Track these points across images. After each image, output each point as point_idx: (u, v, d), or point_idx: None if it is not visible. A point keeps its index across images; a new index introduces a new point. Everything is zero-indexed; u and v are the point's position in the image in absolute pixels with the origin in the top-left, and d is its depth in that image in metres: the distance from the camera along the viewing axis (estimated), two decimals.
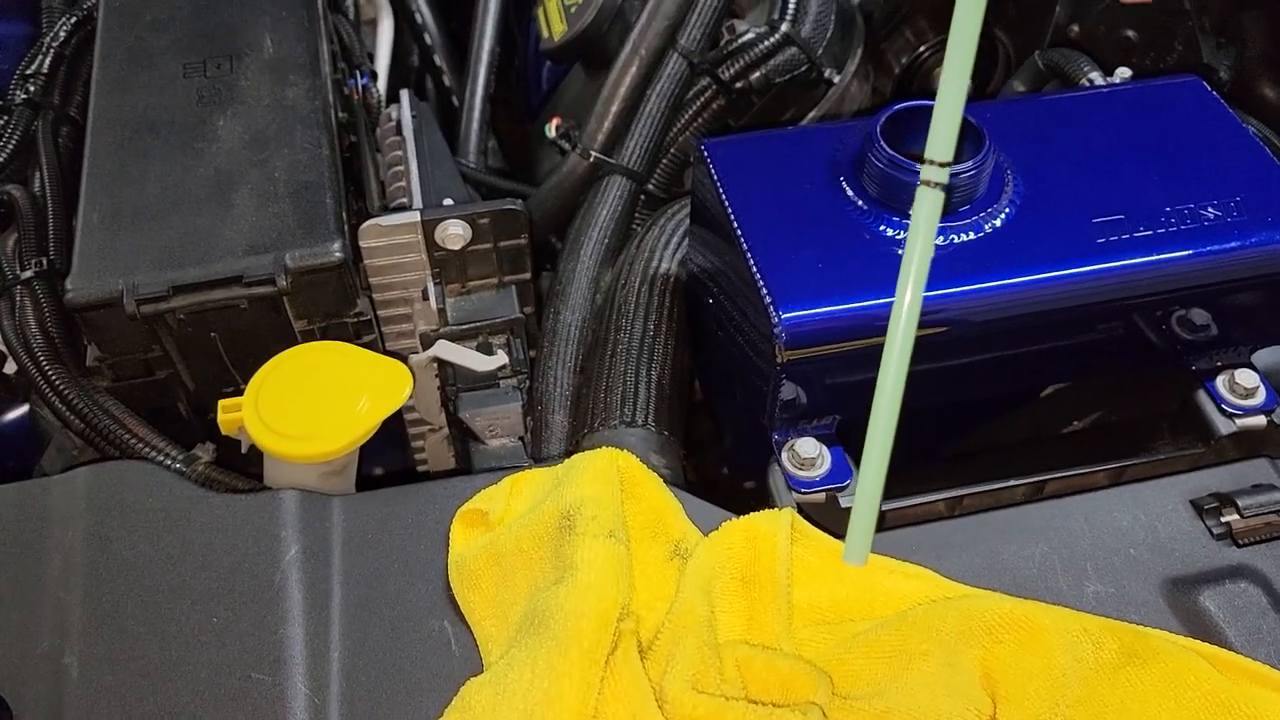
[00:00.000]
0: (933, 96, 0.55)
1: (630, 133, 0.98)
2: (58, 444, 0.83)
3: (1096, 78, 0.91)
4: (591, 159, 0.98)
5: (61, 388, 0.81)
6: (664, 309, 0.93)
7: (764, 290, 0.73)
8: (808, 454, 0.75)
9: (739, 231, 0.77)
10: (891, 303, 0.55)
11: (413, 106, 1.00)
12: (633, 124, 0.98)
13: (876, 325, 0.71)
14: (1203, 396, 0.80)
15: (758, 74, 1.00)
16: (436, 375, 0.90)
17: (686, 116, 1.01)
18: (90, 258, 0.81)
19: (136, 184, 0.85)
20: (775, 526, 0.66)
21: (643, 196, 1.01)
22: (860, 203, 0.77)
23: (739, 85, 1.01)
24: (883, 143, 0.75)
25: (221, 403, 0.77)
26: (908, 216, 0.74)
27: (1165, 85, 0.87)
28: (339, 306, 0.84)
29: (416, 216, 0.83)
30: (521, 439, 0.85)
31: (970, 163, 0.74)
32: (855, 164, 0.79)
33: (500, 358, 0.86)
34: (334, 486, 0.81)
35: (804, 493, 0.75)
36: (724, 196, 0.79)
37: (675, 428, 0.87)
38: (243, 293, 0.80)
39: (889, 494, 0.61)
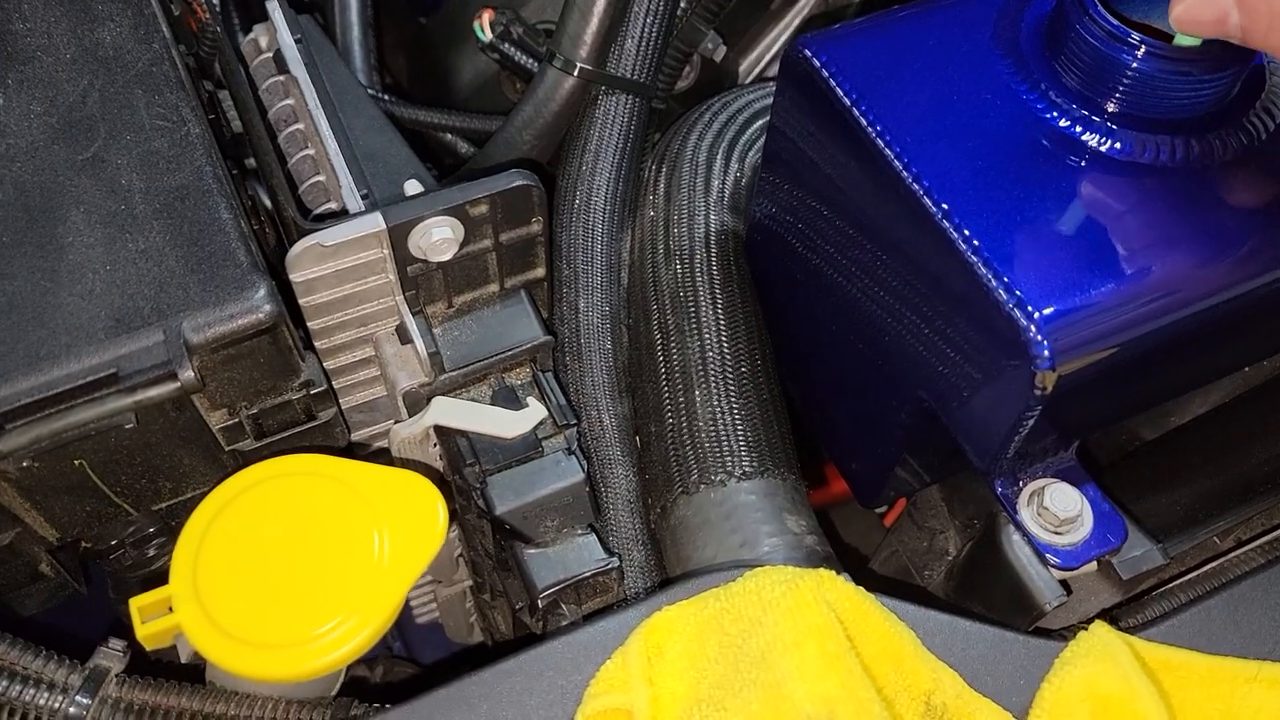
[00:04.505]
0: None
1: (626, 28, 0.67)
2: None
3: None
4: (578, 74, 0.66)
5: None
6: (733, 287, 0.64)
7: (994, 282, 0.46)
8: (1066, 512, 0.50)
9: (919, 188, 0.49)
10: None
11: (290, 23, 0.66)
12: (629, 14, 0.67)
13: (1155, 302, 0.47)
14: None
15: None
16: (442, 466, 0.59)
17: None
18: None
19: None
20: (1126, 687, 0.42)
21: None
22: (1062, 108, 0.51)
23: None
24: (1098, 8, 0.49)
25: (135, 602, 0.46)
26: (1125, 122, 0.49)
27: None
28: (275, 381, 0.53)
29: (379, 222, 0.52)
30: (593, 527, 0.57)
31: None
32: (1043, 43, 0.52)
33: (535, 409, 0.56)
34: (320, 684, 0.51)
35: (1072, 569, 0.51)
36: (876, 133, 0.51)
37: (793, 460, 0.61)
38: (124, 403, 0.47)
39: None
